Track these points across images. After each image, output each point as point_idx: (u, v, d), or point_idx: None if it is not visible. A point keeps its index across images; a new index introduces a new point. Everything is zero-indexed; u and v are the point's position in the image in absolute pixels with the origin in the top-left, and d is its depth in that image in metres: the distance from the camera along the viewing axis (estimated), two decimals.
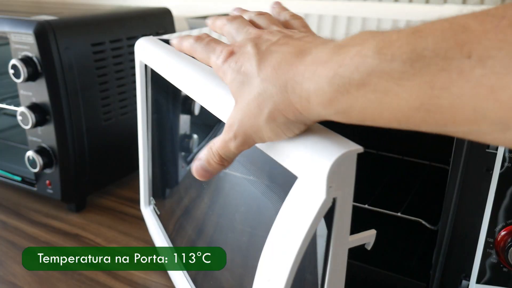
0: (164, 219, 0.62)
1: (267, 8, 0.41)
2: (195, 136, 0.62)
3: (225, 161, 0.31)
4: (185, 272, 0.54)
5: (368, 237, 0.31)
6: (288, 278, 0.26)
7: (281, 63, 0.27)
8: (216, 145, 0.31)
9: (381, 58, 0.21)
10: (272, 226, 0.28)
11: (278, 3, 0.41)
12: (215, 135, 0.50)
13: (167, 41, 0.56)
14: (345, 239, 0.28)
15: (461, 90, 0.19)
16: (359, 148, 0.25)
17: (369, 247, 0.31)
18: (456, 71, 0.19)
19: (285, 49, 0.28)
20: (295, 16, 0.38)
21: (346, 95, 0.23)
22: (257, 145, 0.31)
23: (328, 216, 0.26)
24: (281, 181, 0.34)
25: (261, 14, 0.36)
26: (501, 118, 0.19)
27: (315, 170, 0.25)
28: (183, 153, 0.62)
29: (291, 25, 0.37)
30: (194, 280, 0.52)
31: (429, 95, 0.20)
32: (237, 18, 0.36)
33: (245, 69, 0.29)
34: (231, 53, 0.30)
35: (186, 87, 0.44)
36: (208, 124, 0.55)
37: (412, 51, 0.20)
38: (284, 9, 0.40)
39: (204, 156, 0.32)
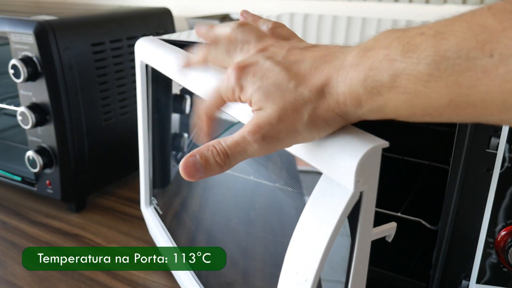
0: (166, 219, 0.62)
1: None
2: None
3: (228, 162, 0.28)
4: (191, 271, 0.54)
5: (389, 229, 0.32)
6: (317, 271, 0.27)
7: (311, 69, 0.27)
8: (226, 143, 0.28)
9: (407, 61, 0.22)
10: (299, 221, 0.29)
11: (247, 12, 0.39)
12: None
13: (167, 41, 0.56)
14: (369, 232, 0.29)
15: (489, 88, 0.20)
16: (385, 143, 0.26)
17: (390, 239, 0.32)
18: (480, 70, 0.20)
19: (309, 56, 0.28)
20: (278, 24, 0.36)
21: (379, 96, 0.24)
22: None
23: (355, 209, 0.27)
24: (299, 177, 0.35)
25: (243, 25, 0.34)
26: None
27: (342, 165, 0.26)
28: (185, 153, 0.62)
29: (278, 34, 0.35)
30: (199, 277, 0.52)
31: (457, 94, 0.21)
32: (217, 41, 0.34)
33: (269, 78, 0.28)
34: (241, 69, 0.29)
35: (192, 85, 0.44)
36: (220, 120, 0.54)
37: (436, 54, 0.21)
38: (258, 17, 0.38)
39: (202, 154, 0.28)
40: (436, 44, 0.22)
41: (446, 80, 0.21)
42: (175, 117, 0.63)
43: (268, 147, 0.28)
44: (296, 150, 0.30)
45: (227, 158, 0.28)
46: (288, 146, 0.29)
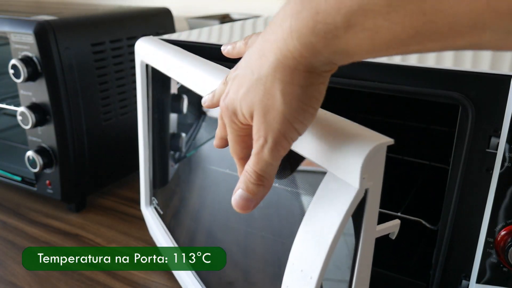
0: (167, 219, 0.62)
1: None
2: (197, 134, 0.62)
3: (263, 178, 0.29)
4: (193, 271, 0.54)
5: (392, 227, 0.32)
6: (322, 268, 0.27)
7: (263, 49, 0.26)
8: (249, 163, 0.29)
9: None
10: (303, 219, 0.29)
11: (224, 44, 0.41)
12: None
13: (167, 41, 0.56)
14: (373, 229, 0.29)
15: (456, 10, 0.19)
16: (390, 140, 0.26)
17: (393, 237, 0.32)
18: None
19: (261, 38, 0.27)
20: (249, 36, 0.38)
21: (336, 40, 0.22)
22: None
23: (360, 206, 0.27)
24: (300, 177, 0.35)
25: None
26: (502, 26, 0.19)
27: (347, 162, 0.26)
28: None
29: (251, 43, 0.37)
30: (200, 276, 0.52)
31: (422, 21, 0.20)
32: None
33: (242, 85, 0.28)
34: (224, 100, 0.30)
35: (194, 84, 0.44)
36: (213, 119, 0.55)
37: None
38: (234, 42, 0.40)
39: (241, 184, 0.29)
40: None
41: (407, 9, 0.19)
42: (175, 117, 0.63)
43: (275, 146, 0.28)
44: (301, 149, 0.30)
45: (260, 176, 0.29)
46: (294, 136, 0.28)
